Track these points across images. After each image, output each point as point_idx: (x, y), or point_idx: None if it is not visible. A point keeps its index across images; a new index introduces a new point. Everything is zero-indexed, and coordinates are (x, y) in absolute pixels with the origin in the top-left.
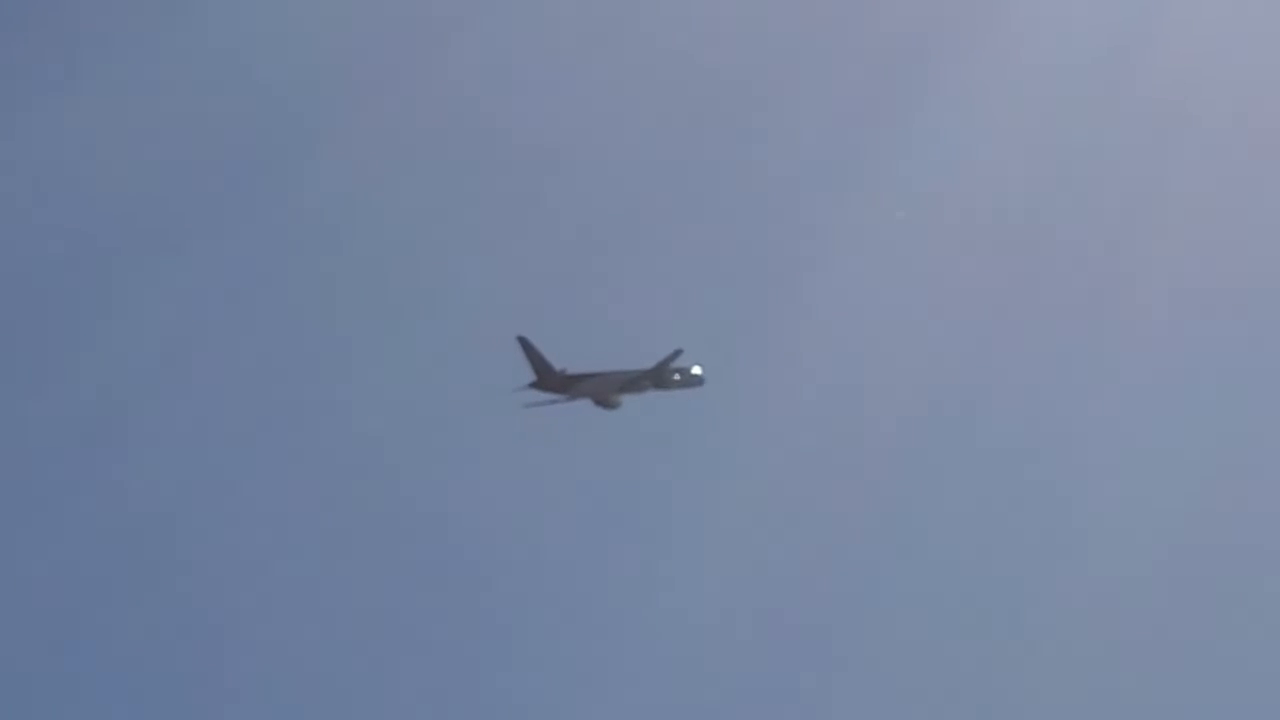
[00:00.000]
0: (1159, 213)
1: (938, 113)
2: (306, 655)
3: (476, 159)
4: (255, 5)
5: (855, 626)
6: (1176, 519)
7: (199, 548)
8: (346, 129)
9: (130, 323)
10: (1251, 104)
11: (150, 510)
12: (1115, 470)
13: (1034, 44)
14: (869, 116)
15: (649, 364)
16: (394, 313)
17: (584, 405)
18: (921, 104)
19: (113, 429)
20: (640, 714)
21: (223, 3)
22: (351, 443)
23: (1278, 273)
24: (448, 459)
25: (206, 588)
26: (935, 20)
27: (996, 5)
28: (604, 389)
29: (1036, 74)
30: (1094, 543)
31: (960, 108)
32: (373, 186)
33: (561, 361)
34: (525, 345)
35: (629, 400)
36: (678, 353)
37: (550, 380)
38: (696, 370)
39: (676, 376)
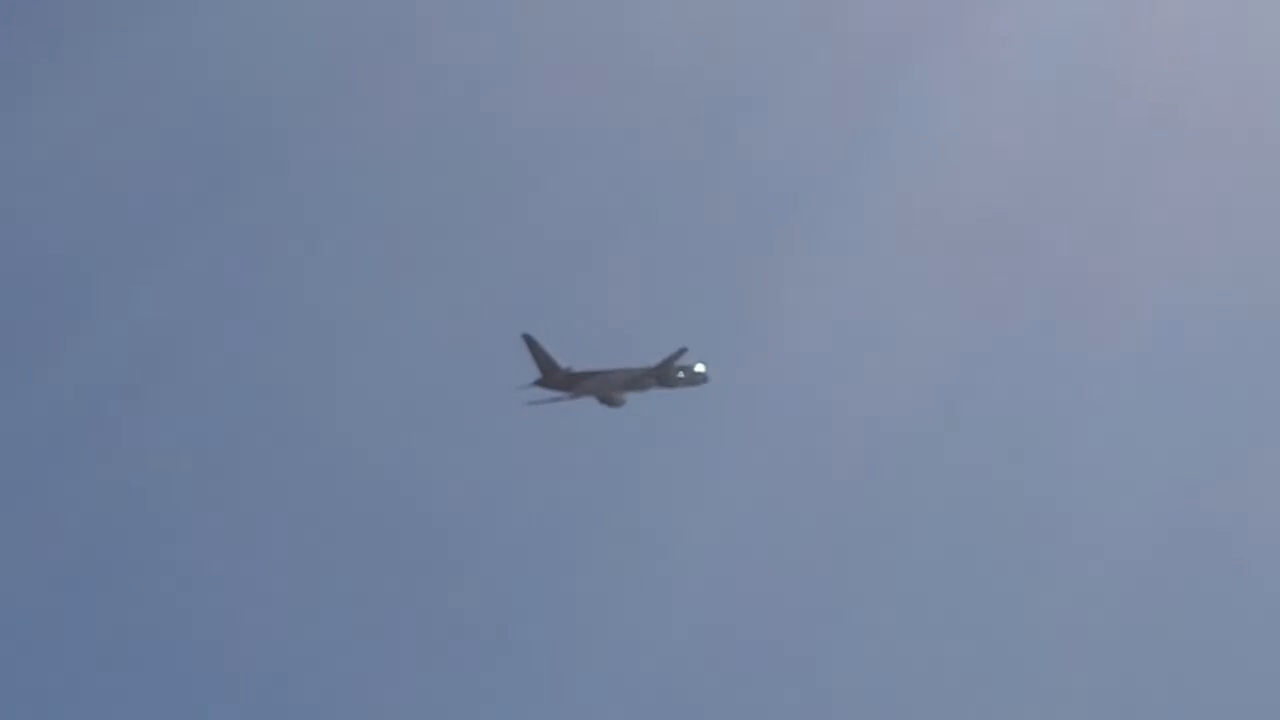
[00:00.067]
0: (1143, 212)
1: (929, 110)
2: (306, 653)
3: (482, 154)
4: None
5: (858, 623)
6: (1161, 517)
7: (196, 543)
8: (350, 124)
9: (134, 321)
10: (1237, 104)
11: (149, 508)
12: (1105, 466)
13: (1019, 43)
14: (866, 113)
15: (653, 362)
16: (399, 310)
17: (588, 403)
18: (915, 102)
19: (117, 424)
20: (640, 711)
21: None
22: (356, 440)
23: (1262, 272)
24: (452, 456)
25: (203, 583)
26: (922, 19)
27: (982, 4)
28: (608, 387)
29: (1022, 73)
30: (1087, 539)
31: (951, 106)
32: (378, 183)
33: (566, 359)
34: (530, 343)
35: (633, 398)
36: (682, 351)
37: (555, 378)
38: (700, 368)
39: (681, 374)
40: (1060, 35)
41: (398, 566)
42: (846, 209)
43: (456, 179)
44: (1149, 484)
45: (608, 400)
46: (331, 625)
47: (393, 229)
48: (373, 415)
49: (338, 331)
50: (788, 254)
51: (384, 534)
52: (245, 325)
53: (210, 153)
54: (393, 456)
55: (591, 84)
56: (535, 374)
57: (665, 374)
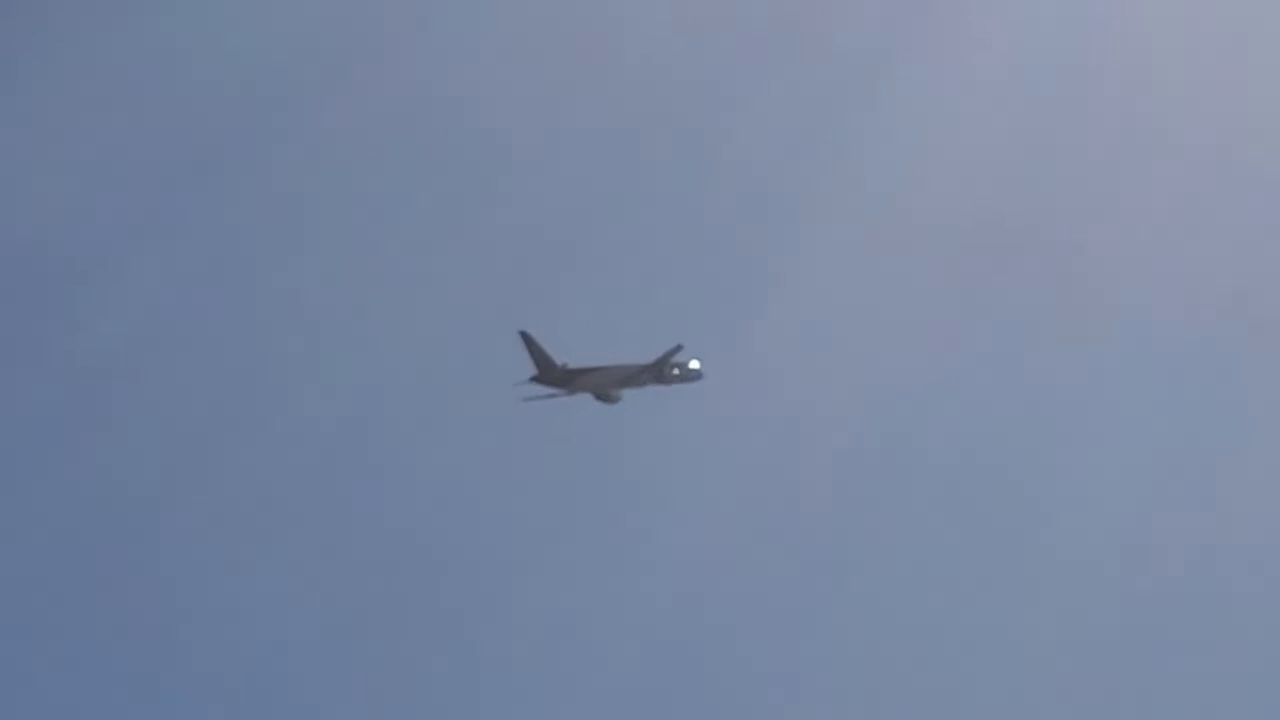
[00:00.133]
0: (1127, 210)
1: (917, 110)
2: (300, 647)
3: (479, 152)
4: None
5: (852, 617)
6: (1142, 513)
7: (190, 535)
8: (345, 120)
9: (128, 317)
10: (1220, 103)
11: (145, 504)
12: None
13: (1004, 43)
14: (857, 111)
15: (649, 359)
16: (397, 307)
17: (584, 399)
18: (904, 101)
19: (109, 421)
20: (633, 705)
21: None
22: (352, 436)
23: (1242, 268)
24: (449, 451)
25: (197, 574)
26: (907, 19)
27: (964, 5)
28: (604, 383)
29: (1006, 72)
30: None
31: (937, 105)
32: (374, 179)
33: (563, 356)
34: (527, 340)
35: (629, 394)
36: (678, 348)
37: (551, 374)
38: (695, 365)
39: (676, 371)
40: (1044, 35)
41: (393, 561)
42: (843, 207)
43: (453, 176)
44: (1128, 476)
45: (604, 397)
46: (325, 616)
47: (389, 226)
48: (370, 411)
49: (334, 328)
50: (782, 252)
51: (380, 529)
52: (239, 321)
53: (202, 148)
54: (390, 452)
55: (587, 81)
56: (532, 370)
57: (661, 371)
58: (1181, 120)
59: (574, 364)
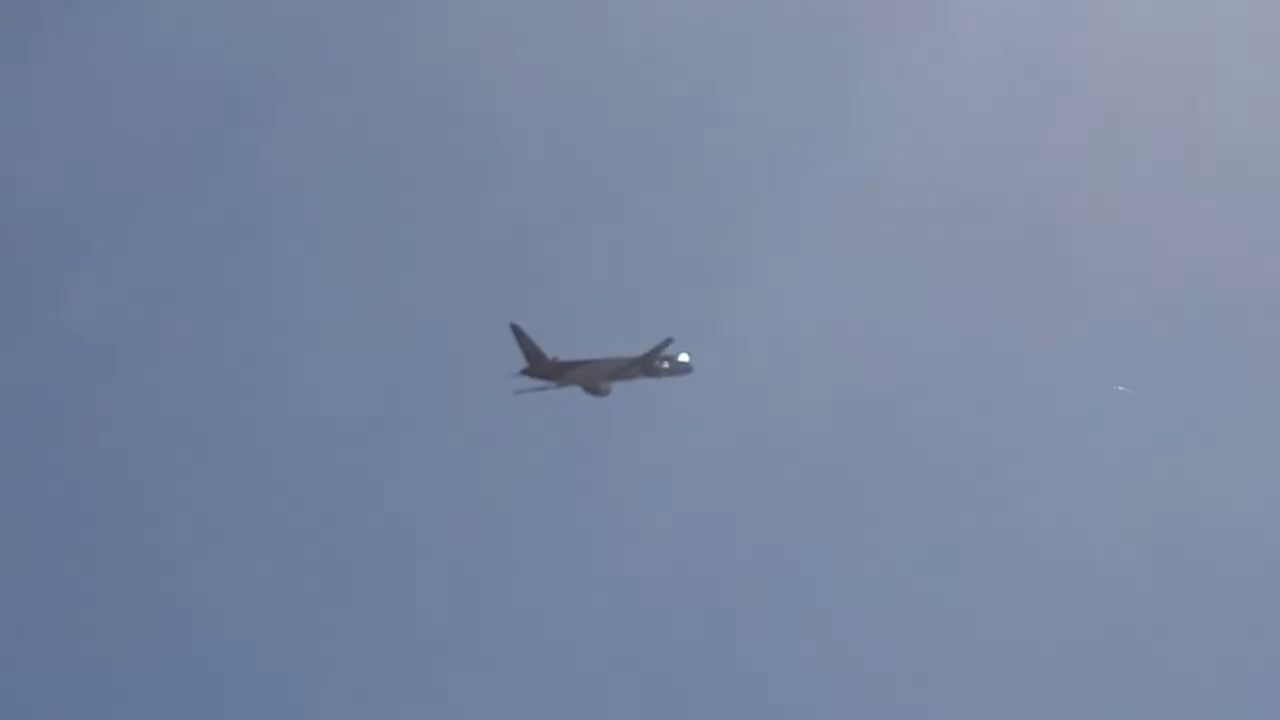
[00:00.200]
0: (1105, 196)
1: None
2: (290, 636)
3: (468, 145)
4: None
5: (840, 605)
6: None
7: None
8: (335, 111)
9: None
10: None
11: (137, 497)
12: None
13: (984, 30)
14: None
15: (639, 352)
16: (388, 300)
17: (574, 392)
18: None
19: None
20: (622, 694)
21: None
22: (342, 428)
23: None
24: (440, 443)
25: (181, 560)
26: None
27: None
28: (594, 376)
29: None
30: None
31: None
32: (363, 173)
33: (553, 349)
34: (517, 332)
35: (618, 387)
36: (668, 341)
37: (542, 367)
38: (684, 358)
39: (665, 365)
40: (1024, 22)
41: (382, 553)
42: (832, 200)
43: (443, 169)
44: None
45: (593, 389)
46: (315, 607)
47: (379, 218)
48: (360, 404)
49: (324, 321)
50: (770, 246)
51: (369, 521)
52: (230, 313)
53: (190, 138)
54: (380, 445)
55: (577, 72)
56: (523, 363)
57: (650, 364)
58: (1167, 107)
59: (564, 357)
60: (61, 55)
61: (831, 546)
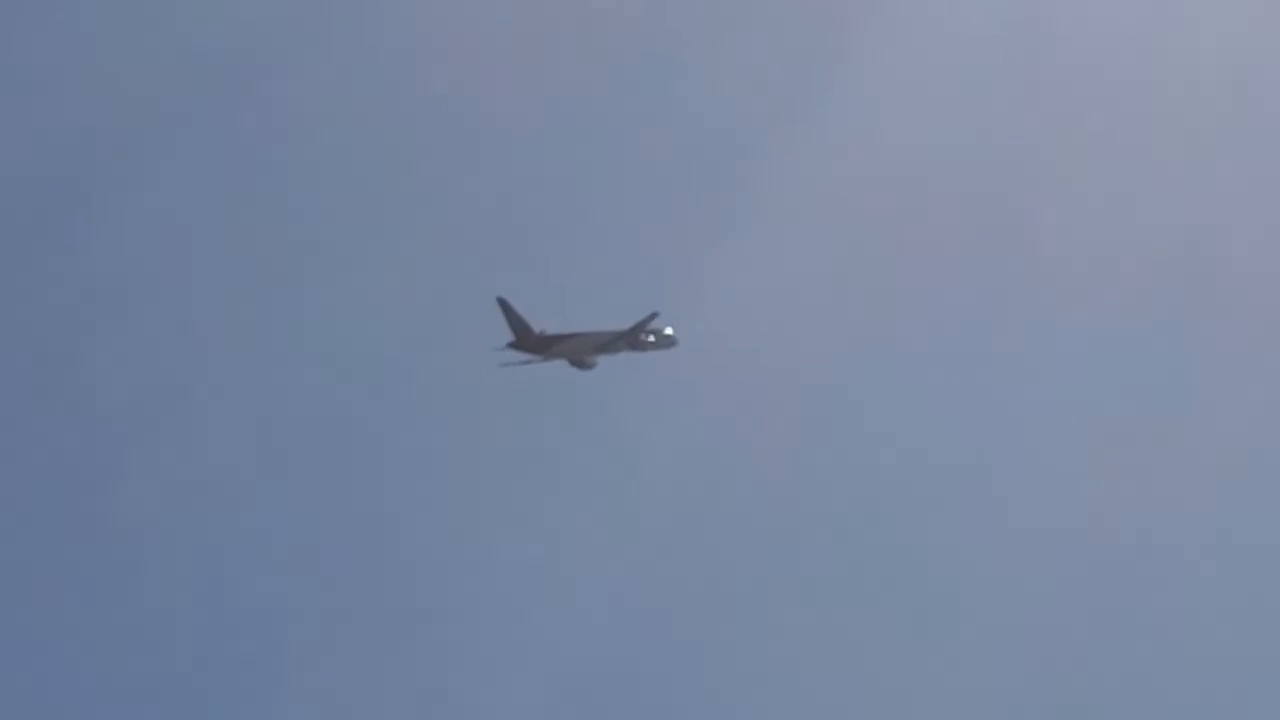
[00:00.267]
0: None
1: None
2: (279, 621)
3: (455, 120)
4: None
5: (822, 584)
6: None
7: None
8: (327, 100)
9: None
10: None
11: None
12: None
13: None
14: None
15: (625, 326)
16: (375, 274)
17: (560, 365)
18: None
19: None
20: (606, 669)
21: None
22: (330, 402)
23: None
24: (427, 416)
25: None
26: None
27: None
28: (580, 350)
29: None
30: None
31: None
32: (350, 149)
33: (539, 323)
34: (504, 306)
35: (604, 360)
36: (653, 315)
37: (528, 341)
38: (669, 332)
39: (650, 338)
40: (1008, 8)
41: (368, 526)
42: (814, 177)
43: (429, 144)
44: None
45: (579, 363)
46: (303, 589)
47: (365, 194)
48: (347, 377)
49: (311, 296)
50: (756, 221)
51: (356, 494)
52: (212, 291)
53: (177, 112)
54: (367, 418)
55: (558, 49)
56: (509, 336)
57: (636, 338)
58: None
59: (550, 330)
60: (58, 54)
61: (815, 518)
